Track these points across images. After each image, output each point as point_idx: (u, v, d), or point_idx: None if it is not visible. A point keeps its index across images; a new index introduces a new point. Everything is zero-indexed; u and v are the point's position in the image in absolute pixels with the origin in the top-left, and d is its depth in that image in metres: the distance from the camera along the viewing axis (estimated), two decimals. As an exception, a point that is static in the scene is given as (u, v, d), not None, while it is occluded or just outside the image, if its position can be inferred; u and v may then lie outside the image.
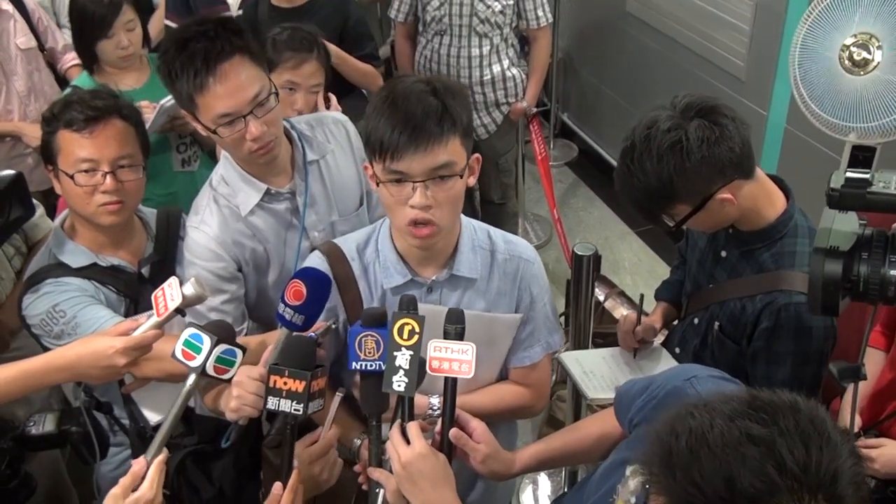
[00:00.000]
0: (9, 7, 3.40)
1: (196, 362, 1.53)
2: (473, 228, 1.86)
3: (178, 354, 1.54)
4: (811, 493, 0.99)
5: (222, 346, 1.54)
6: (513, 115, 4.03)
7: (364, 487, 1.67)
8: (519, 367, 1.93)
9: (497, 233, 1.90)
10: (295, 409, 1.50)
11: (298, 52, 2.68)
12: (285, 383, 1.50)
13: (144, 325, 1.72)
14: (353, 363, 1.55)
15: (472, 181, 1.75)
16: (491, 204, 4.31)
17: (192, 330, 1.54)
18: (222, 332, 1.56)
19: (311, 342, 1.59)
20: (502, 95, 3.96)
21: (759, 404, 1.06)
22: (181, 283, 1.66)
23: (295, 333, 1.64)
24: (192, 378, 1.54)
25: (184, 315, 1.69)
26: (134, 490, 1.46)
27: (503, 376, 1.98)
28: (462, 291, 1.81)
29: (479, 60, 3.84)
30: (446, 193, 1.64)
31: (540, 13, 3.84)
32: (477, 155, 1.74)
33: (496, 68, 3.88)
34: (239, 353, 1.57)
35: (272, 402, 1.51)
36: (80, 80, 3.15)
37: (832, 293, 1.54)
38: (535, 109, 4.15)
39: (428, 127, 1.59)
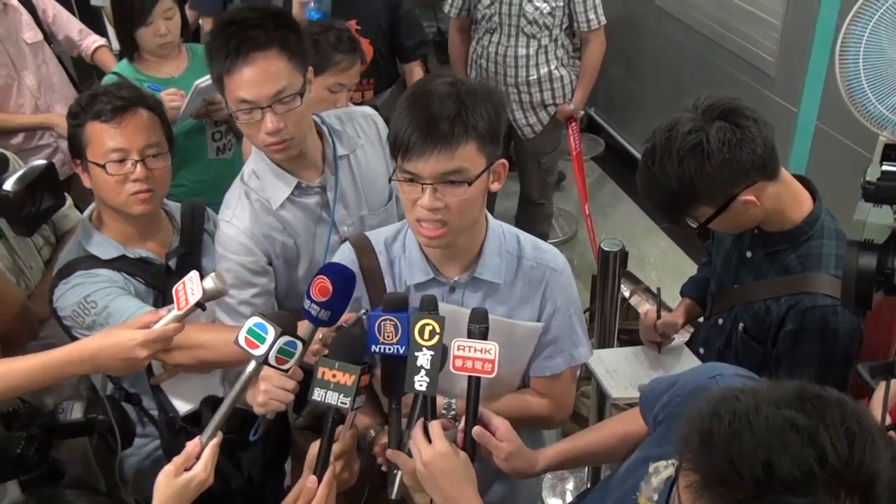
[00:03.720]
0: (14, 1, 3.40)
1: (259, 351, 1.53)
2: (502, 232, 1.83)
3: (242, 342, 1.53)
4: (848, 491, 0.98)
5: (285, 338, 1.54)
6: (559, 117, 4.01)
7: (383, 469, 1.68)
8: (540, 377, 1.90)
9: (527, 239, 1.87)
10: (342, 403, 1.50)
11: (348, 55, 2.70)
12: (334, 376, 1.50)
13: (165, 318, 1.74)
14: (372, 346, 1.56)
15: (496, 187, 1.71)
16: (530, 202, 4.30)
17: (256, 319, 1.54)
18: (286, 324, 1.56)
19: (361, 337, 1.59)
20: (549, 96, 3.94)
21: (806, 396, 1.06)
22: (201, 278, 1.68)
23: (343, 327, 1.64)
24: (251, 366, 1.55)
25: (204, 309, 1.71)
26: (187, 470, 1.48)
27: (525, 385, 1.95)
28: (484, 294, 1.80)
29: (526, 60, 3.82)
30: (457, 198, 1.61)
31: (591, 16, 3.79)
32: (503, 161, 1.70)
33: (543, 69, 3.85)
34: (299, 345, 1.57)
35: (318, 394, 1.51)
36: (121, 67, 3.19)
37: (866, 286, 1.52)
38: (582, 112, 4.11)
39: (440, 130, 1.56)
